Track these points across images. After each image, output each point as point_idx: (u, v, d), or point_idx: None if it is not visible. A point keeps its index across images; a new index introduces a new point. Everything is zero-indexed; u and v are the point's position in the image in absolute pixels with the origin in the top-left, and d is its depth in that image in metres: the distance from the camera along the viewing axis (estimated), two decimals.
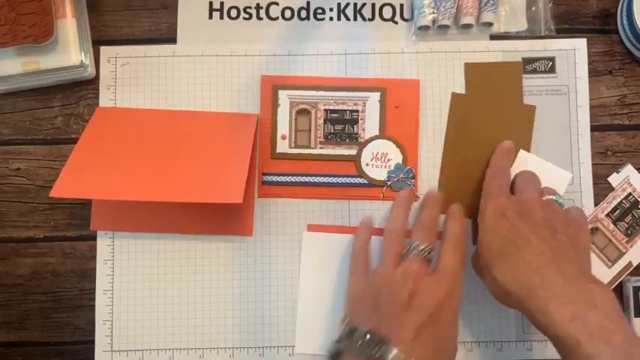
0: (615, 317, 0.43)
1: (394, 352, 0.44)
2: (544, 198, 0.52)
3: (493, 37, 0.61)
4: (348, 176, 0.60)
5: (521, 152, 0.59)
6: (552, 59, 0.61)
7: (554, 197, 0.53)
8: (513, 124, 0.60)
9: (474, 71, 0.61)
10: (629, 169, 0.59)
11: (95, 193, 0.54)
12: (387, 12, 0.62)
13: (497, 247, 0.49)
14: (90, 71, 0.60)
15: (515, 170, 0.58)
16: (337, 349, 0.49)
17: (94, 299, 0.59)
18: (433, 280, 0.49)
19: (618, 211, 0.59)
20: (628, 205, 0.59)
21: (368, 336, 0.46)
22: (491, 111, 0.60)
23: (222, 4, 0.62)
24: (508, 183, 0.55)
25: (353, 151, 0.60)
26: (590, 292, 0.44)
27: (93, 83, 0.61)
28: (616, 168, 0.60)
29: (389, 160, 0.60)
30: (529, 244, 0.48)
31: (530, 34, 0.60)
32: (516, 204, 0.51)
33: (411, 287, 0.48)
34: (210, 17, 0.62)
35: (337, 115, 0.60)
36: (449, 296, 0.48)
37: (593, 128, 0.60)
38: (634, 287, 0.57)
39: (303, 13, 0.62)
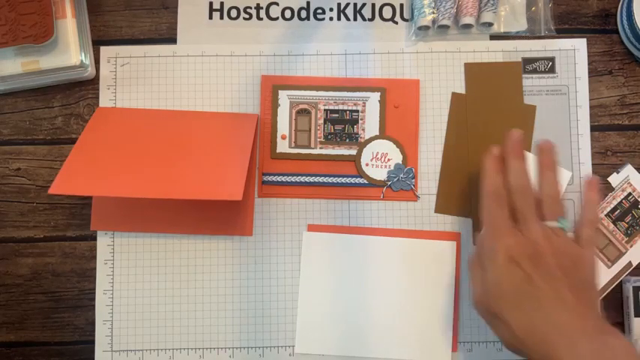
0: None
1: None
2: (548, 225, 0.49)
3: (493, 37, 0.61)
4: (348, 176, 0.60)
5: None
6: (552, 59, 0.61)
7: (557, 224, 0.49)
8: (513, 124, 0.59)
9: (474, 71, 0.61)
10: (628, 169, 0.59)
11: (94, 190, 0.54)
12: (387, 12, 0.62)
13: (511, 296, 0.46)
14: (90, 71, 0.60)
15: None
16: None
17: (94, 299, 0.59)
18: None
19: (618, 211, 0.59)
20: (628, 205, 0.59)
21: None
22: (491, 111, 0.60)
23: (222, 4, 0.62)
24: (507, 208, 0.50)
25: (353, 151, 0.60)
26: (613, 349, 0.43)
27: (93, 83, 0.61)
28: (616, 168, 0.60)
29: (389, 160, 0.60)
30: (546, 298, 0.45)
31: (530, 34, 0.61)
32: (526, 246, 0.47)
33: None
34: (210, 17, 0.62)
35: (337, 115, 0.60)
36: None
37: (593, 128, 0.60)
38: (634, 287, 0.57)
39: (303, 13, 0.62)
